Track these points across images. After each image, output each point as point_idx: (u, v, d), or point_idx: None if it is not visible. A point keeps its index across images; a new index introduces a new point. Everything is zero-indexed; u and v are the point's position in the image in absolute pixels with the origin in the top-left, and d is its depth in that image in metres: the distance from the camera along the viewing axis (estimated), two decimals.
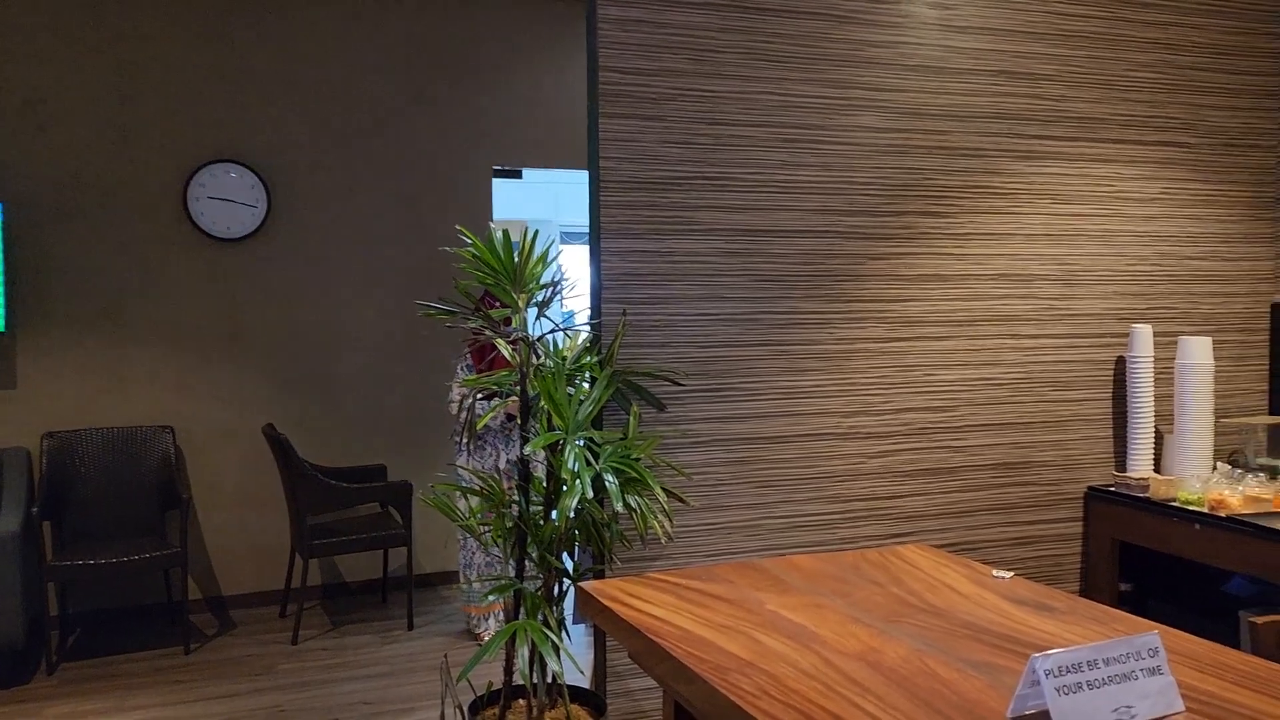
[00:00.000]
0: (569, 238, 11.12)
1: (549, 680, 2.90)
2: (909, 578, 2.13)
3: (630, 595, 2.02)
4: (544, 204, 10.00)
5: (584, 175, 3.68)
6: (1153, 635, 1.47)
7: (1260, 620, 2.00)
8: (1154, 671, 1.44)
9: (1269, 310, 3.73)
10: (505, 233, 2.81)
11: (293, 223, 5.27)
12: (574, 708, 2.97)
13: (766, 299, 3.12)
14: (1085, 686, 1.39)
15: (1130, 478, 3.36)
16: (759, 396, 3.11)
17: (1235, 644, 2.06)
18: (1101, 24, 3.46)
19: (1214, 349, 3.44)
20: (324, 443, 5.34)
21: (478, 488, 2.97)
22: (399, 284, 5.44)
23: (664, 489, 2.76)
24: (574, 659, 2.71)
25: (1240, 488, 3.14)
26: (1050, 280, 3.44)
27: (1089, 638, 1.74)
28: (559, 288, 3.00)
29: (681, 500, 2.91)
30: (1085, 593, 3.49)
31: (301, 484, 4.67)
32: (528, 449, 2.69)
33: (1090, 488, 3.48)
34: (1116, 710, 1.39)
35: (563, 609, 2.90)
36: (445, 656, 3.33)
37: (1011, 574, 2.13)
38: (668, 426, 3.01)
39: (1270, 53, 3.68)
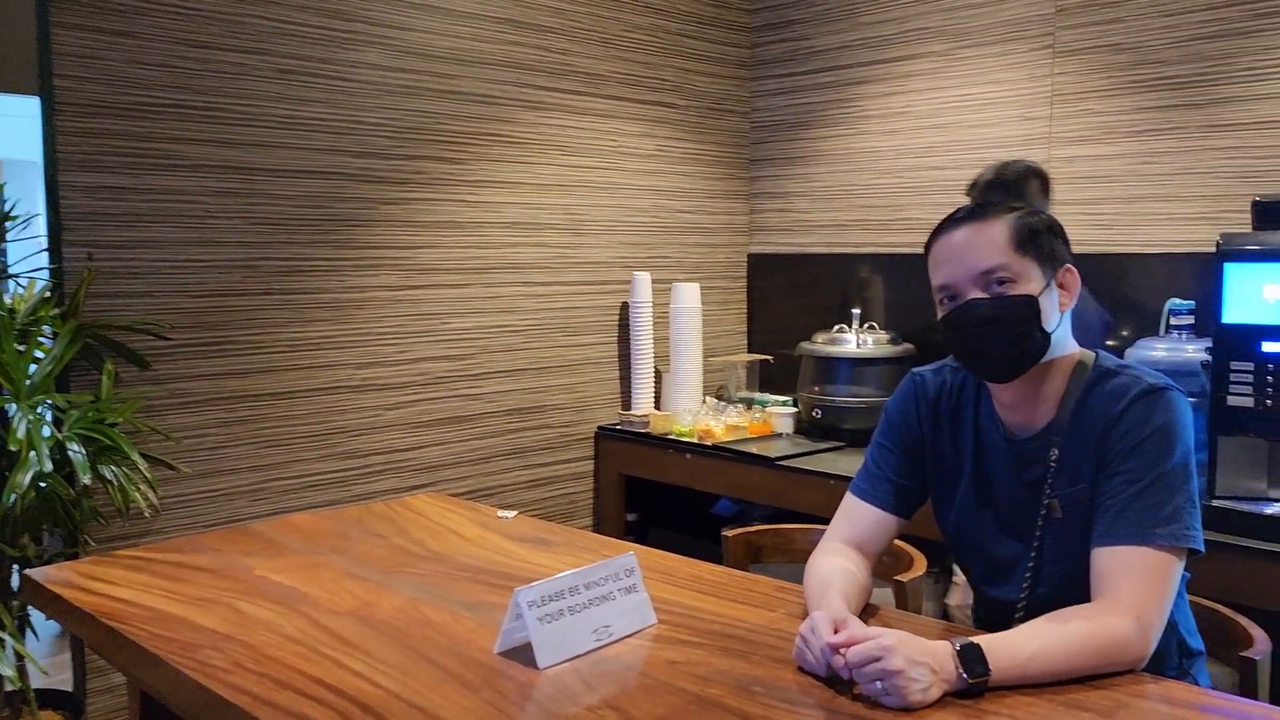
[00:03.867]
0: None
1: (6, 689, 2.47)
2: (414, 527, 2.07)
3: (90, 579, 1.75)
4: (15, 139, 8.51)
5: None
6: (629, 556, 1.54)
7: (730, 534, 2.21)
8: (630, 590, 1.51)
9: (745, 260, 4.19)
10: None
11: None
12: (46, 714, 2.57)
13: (268, 244, 2.88)
14: (567, 612, 1.41)
15: (634, 415, 3.61)
16: (262, 349, 2.87)
17: (722, 559, 2.29)
18: None
19: (702, 294, 3.78)
20: None
21: None
22: None
23: (147, 455, 2.45)
24: (34, 660, 2.32)
25: (723, 419, 3.50)
26: (560, 229, 3.55)
27: (580, 566, 1.79)
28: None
29: (171, 467, 2.61)
30: (597, 525, 3.70)
31: None
32: None
33: (600, 427, 3.68)
34: (596, 631, 1.44)
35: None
36: None
37: (515, 513, 2.15)
38: (154, 386, 2.67)
39: (743, 27, 4.09)
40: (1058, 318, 1.50)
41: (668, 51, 3.84)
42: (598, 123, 3.64)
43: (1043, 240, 1.49)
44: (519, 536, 2.00)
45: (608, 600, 1.47)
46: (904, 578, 1.93)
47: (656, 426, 3.53)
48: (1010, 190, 2.51)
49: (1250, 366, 2.29)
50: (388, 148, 3.10)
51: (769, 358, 3.98)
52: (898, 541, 1.90)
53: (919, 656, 1.25)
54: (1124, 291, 3.07)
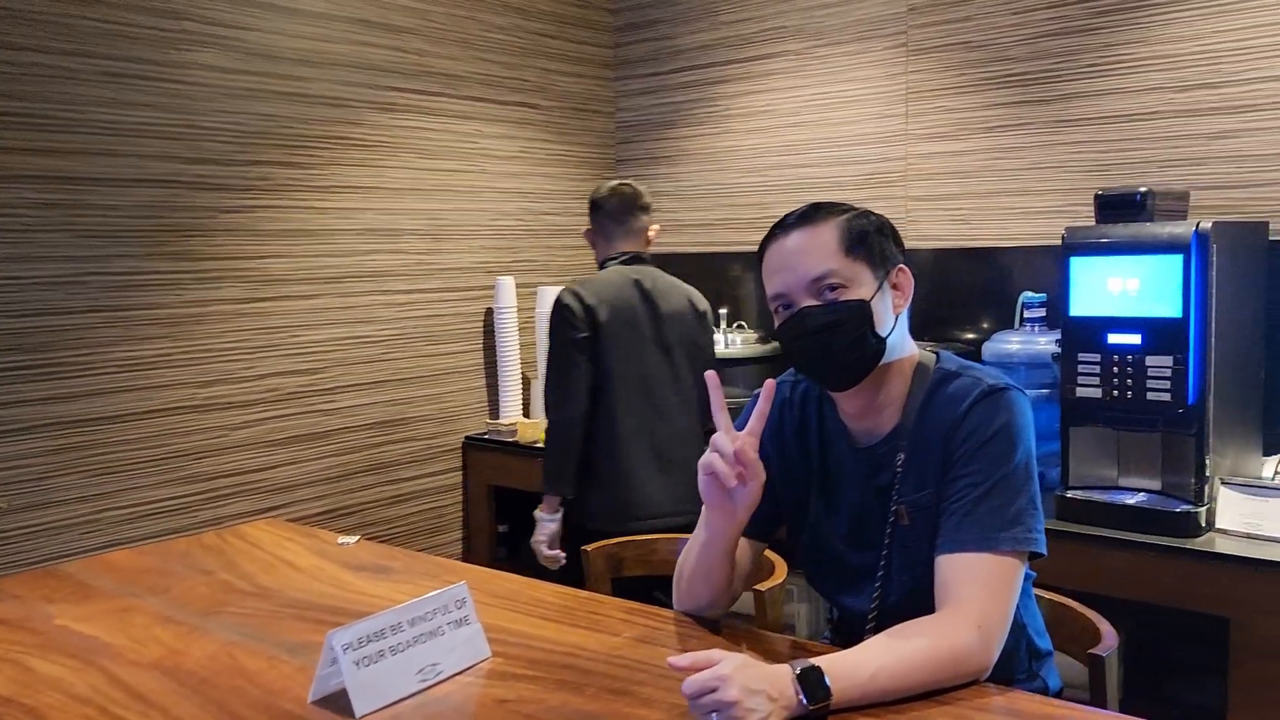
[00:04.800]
0: None
1: None
2: (245, 559, 1.93)
3: None
4: None
5: None
6: (460, 587, 1.44)
7: (590, 548, 2.12)
8: (461, 623, 1.42)
9: None
10: None
11: None
12: None
13: (97, 258, 2.68)
14: (388, 653, 1.31)
15: (501, 424, 3.50)
16: (91, 371, 2.68)
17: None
18: None
19: None
20: None
21: None
22: None
23: None
24: None
25: None
26: (419, 234, 3.42)
27: (419, 594, 1.69)
28: None
29: None
30: (466, 539, 3.58)
31: None
32: None
33: (467, 437, 3.57)
34: (422, 670, 1.34)
35: None
36: None
37: (357, 538, 2.03)
38: None
39: (606, 27, 4.02)
40: (892, 320, 1.46)
41: (529, 52, 3.74)
42: (457, 125, 3.52)
43: (872, 242, 1.45)
44: (357, 565, 1.88)
45: (435, 636, 1.37)
46: (763, 587, 1.88)
47: (524, 434, 3.43)
48: (599, 208, 2.76)
49: (1097, 358, 2.33)
50: (228, 153, 2.92)
51: None
52: None
53: (756, 685, 1.19)
54: (982, 285, 3.11)
